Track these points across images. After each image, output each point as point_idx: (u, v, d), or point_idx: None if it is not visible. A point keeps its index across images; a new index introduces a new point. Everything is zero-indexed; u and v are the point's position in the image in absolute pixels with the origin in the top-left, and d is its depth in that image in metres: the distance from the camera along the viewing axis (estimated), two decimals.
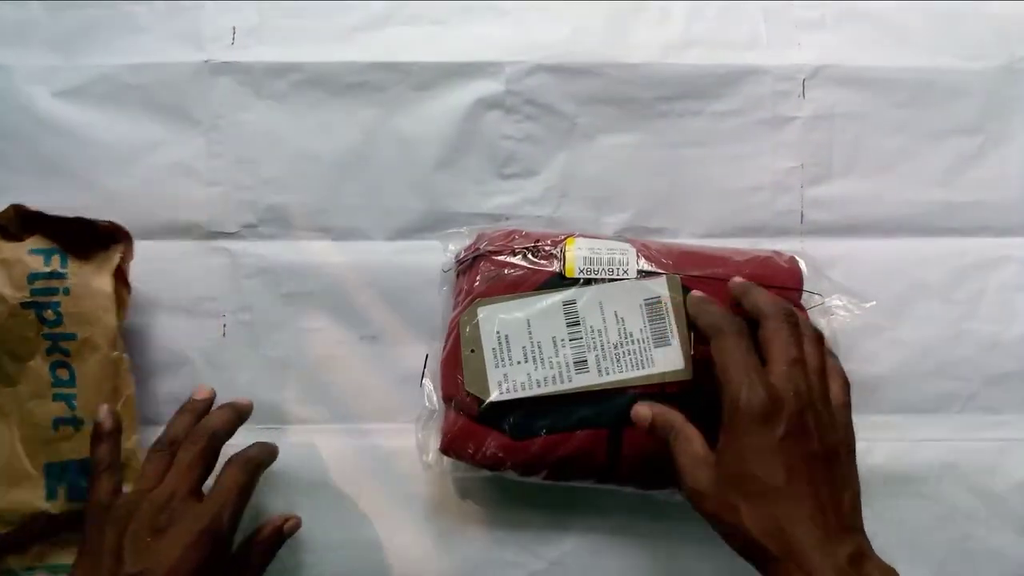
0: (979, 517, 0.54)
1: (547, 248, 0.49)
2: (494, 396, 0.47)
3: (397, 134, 0.56)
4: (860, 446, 0.54)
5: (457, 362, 0.48)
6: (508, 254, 0.49)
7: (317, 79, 0.56)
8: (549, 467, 0.47)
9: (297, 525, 0.50)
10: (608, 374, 0.47)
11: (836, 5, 0.57)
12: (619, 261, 0.48)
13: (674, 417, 0.42)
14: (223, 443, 0.46)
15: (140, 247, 0.55)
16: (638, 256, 0.49)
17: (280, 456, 0.54)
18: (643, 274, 0.48)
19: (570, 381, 0.47)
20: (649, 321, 0.47)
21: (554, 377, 0.47)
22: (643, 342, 0.47)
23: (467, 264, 0.50)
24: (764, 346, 0.41)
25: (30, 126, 0.55)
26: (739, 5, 0.57)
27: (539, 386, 0.47)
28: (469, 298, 0.48)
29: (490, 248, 0.50)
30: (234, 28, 0.56)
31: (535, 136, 0.56)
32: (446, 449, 0.48)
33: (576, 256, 0.48)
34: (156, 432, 0.54)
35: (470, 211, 0.56)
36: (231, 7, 0.56)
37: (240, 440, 0.55)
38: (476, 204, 0.56)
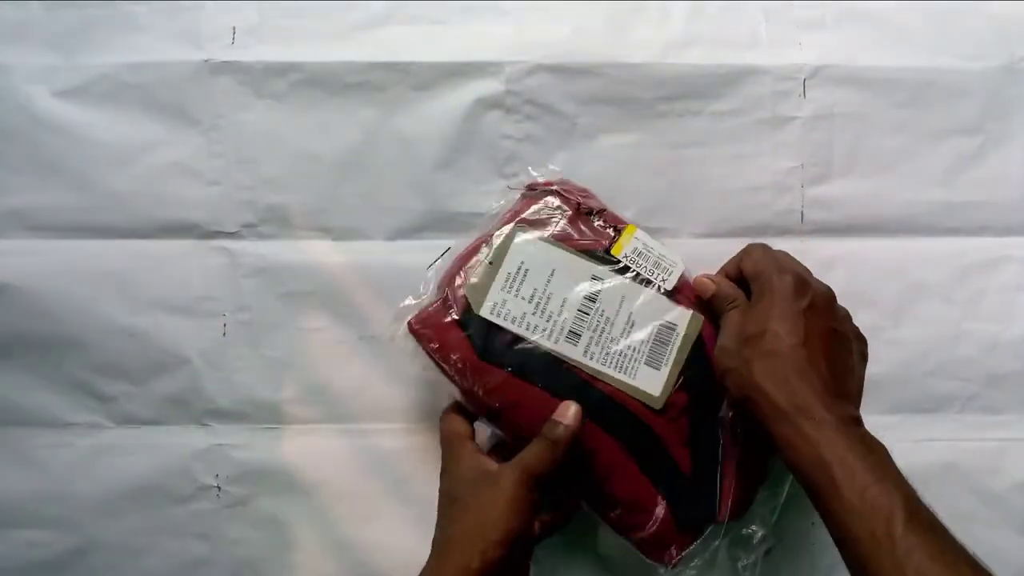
0: (979, 517, 0.54)
1: (608, 222, 0.50)
2: (483, 311, 0.47)
3: (397, 134, 0.56)
4: None
5: (469, 262, 0.48)
6: (573, 206, 0.49)
7: (317, 79, 0.56)
8: (494, 406, 0.47)
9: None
10: (591, 359, 0.47)
11: (836, 5, 0.57)
12: (663, 269, 0.49)
13: (738, 292, 0.46)
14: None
15: (140, 247, 0.55)
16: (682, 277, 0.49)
17: (278, 456, 0.55)
18: (674, 295, 0.48)
19: (555, 343, 0.47)
20: (654, 340, 0.48)
21: (544, 330, 0.47)
22: (638, 353, 0.47)
23: (534, 193, 0.50)
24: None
25: (30, 126, 0.55)
26: (739, 5, 0.57)
27: (526, 330, 0.47)
28: (517, 219, 0.49)
29: (562, 191, 0.50)
30: (234, 28, 0.56)
31: (535, 136, 0.56)
32: (415, 329, 0.48)
33: (628, 243, 0.49)
34: (160, 433, 0.55)
35: (470, 211, 0.56)
36: (231, 7, 0.56)
37: (239, 440, 0.55)
38: (476, 204, 0.56)
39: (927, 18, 0.57)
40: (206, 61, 0.56)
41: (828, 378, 0.41)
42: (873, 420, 0.54)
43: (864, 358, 0.46)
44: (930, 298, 0.56)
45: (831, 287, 0.46)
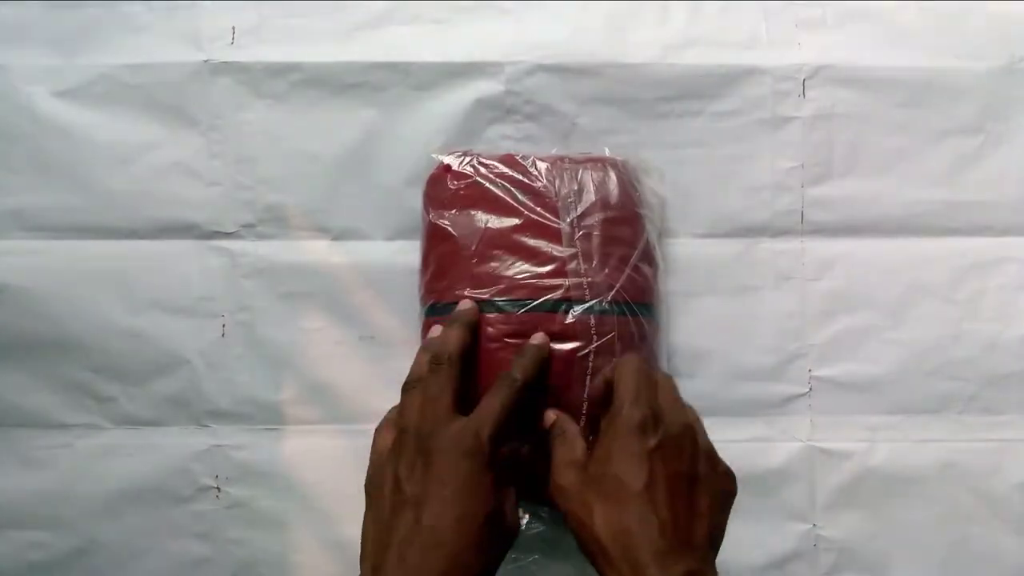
0: (979, 517, 0.54)
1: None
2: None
3: (397, 134, 0.56)
4: (860, 447, 0.55)
5: None
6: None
7: (317, 79, 0.56)
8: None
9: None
10: None
11: (836, 5, 0.57)
12: None
13: (569, 424, 0.44)
14: (463, 358, 0.45)
15: (140, 247, 0.55)
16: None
17: (278, 456, 0.55)
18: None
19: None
20: None
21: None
22: None
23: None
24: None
25: (30, 126, 0.55)
26: (739, 5, 0.57)
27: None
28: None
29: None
30: (233, 28, 0.56)
31: (535, 136, 0.56)
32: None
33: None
34: (160, 433, 0.55)
35: None
36: (231, 7, 0.56)
37: (239, 441, 0.55)
38: None
39: (927, 18, 0.57)
40: (206, 61, 0.56)
41: (672, 525, 0.37)
42: (873, 420, 0.55)
43: (727, 495, 0.41)
44: (930, 298, 0.56)
45: (691, 424, 0.41)
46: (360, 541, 0.42)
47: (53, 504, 0.54)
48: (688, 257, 0.55)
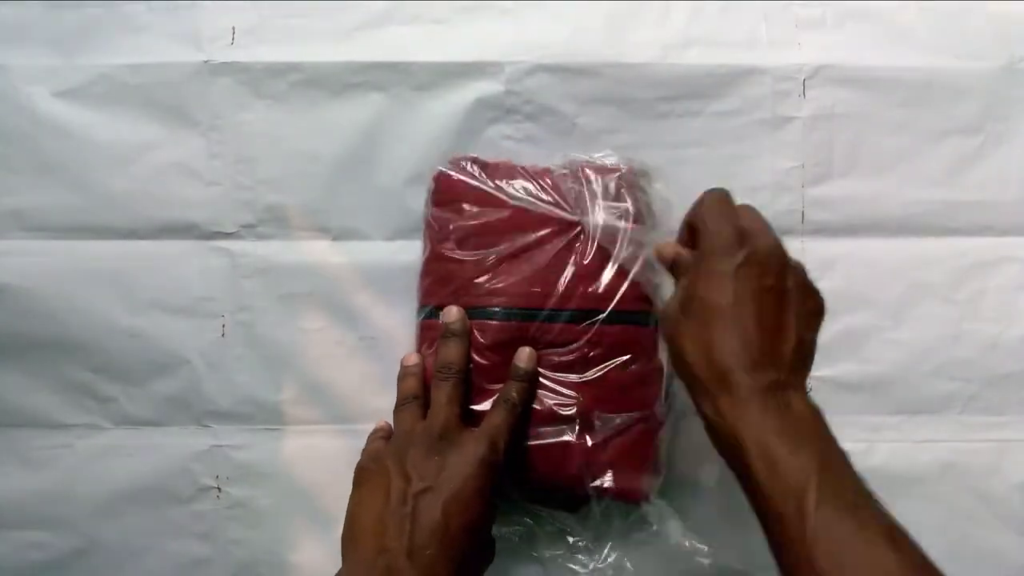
0: (979, 517, 0.54)
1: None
2: None
3: (397, 134, 0.56)
4: (860, 447, 0.55)
5: None
6: None
7: (317, 79, 0.56)
8: None
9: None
10: None
11: (836, 5, 0.57)
12: None
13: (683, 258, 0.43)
14: (464, 372, 0.47)
15: (140, 247, 0.55)
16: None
17: (278, 457, 0.55)
18: None
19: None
20: None
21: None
22: None
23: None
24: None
25: (30, 126, 0.55)
26: (739, 5, 0.57)
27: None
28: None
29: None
30: (233, 28, 0.56)
31: (535, 136, 0.56)
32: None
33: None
34: (160, 433, 0.55)
35: None
36: (231, 7, 0.56)
37: (239, 441, 0.55)
38: None
39: (927, 18, 0.57)
40: (206, 62, 0.56)
41: (758, 340, 0.37)
42: (873, 420, 0.55)
43: (814, 314, 0.40)
44: (930, 298, 0.56)
45: (778, 242, 0.40)
46: (346, 521, 0.43)
47: (53, 504, 0.54)
48: None
